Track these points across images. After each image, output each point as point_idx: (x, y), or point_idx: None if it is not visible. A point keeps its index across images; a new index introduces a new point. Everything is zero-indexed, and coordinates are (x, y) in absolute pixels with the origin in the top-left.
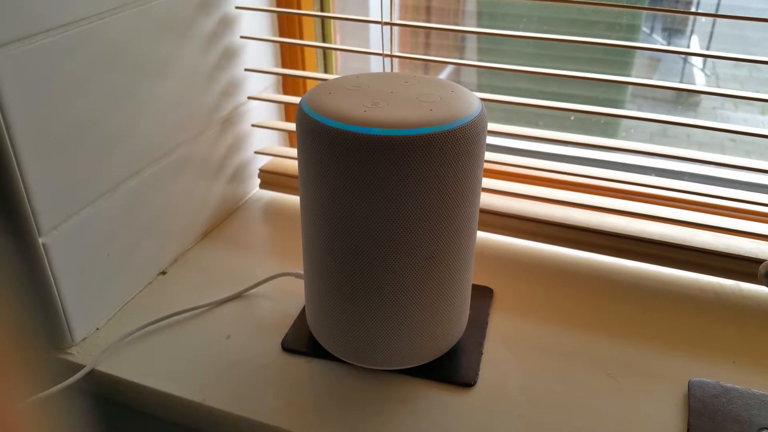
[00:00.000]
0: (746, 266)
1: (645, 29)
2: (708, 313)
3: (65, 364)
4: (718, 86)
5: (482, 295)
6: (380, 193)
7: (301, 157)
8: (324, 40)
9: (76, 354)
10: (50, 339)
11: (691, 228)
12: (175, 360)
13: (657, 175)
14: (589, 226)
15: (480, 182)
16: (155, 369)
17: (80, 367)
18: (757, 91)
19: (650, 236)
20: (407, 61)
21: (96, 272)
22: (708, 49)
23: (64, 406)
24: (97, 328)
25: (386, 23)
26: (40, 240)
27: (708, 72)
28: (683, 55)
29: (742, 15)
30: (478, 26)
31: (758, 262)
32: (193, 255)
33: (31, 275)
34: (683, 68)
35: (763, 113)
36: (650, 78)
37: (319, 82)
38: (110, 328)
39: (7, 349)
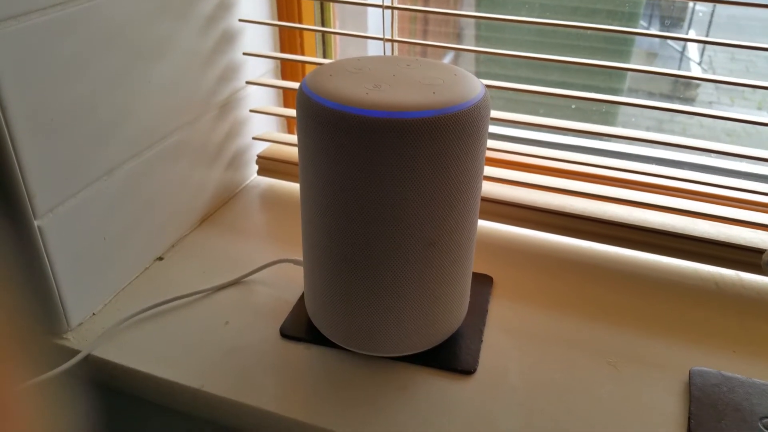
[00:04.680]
0: (746, 256)
1: (643, 22)
2: (708, 302)
3: (61, 349)
4: (715, 75)
5: (482, 282)
6: (382, 176)
7: (301, 141)
8: (323, 25)
9: (72, 339)
10: (46, 324)
11: (691, 217)
12: (172, 346)
13: (657, 165)
14: (589, 215)
15: (482, 167)
16: (152, 355)
17: (76, 352)
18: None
19: (650, 225)
20: (406, 47)
21: (92, 256)
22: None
23: (59, 391)
24: (93, 313)
25: (387, 7)
26: (36, 223)
27: (705, 66)
28: (680, 49)
29: (741, 2)
30: (478, 13)
31: (758, 251)
32: (190, 240)
33: (26, 259)
34: (680, 62)
35: (759, 108)
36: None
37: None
38: (106, 313)
39: (2, 333)
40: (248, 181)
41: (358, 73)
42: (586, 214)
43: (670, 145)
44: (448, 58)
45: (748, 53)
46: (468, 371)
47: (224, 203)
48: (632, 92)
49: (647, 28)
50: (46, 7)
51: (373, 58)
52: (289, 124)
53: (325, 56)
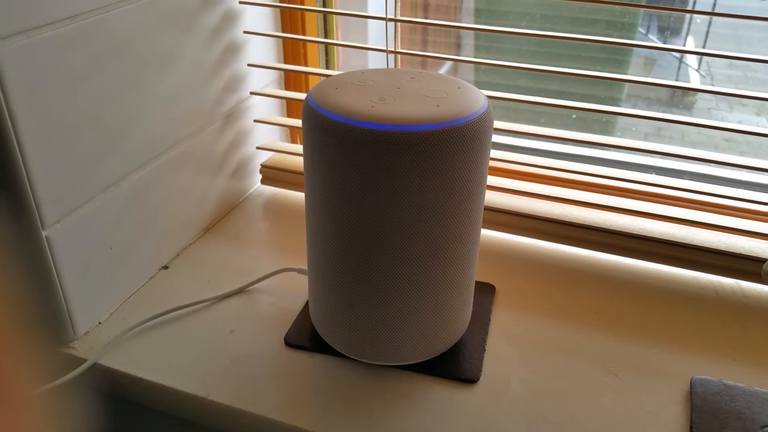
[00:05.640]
0: (746, 265)
1: (641, 29)
2: (708, 311)
3: (67, 358)
4: (713, 86)
5: (484, 291)
6: (387, 188)
7: (306, 152)
8: (326, 37)
9: (78, 348)
10: (52, 333)
11: (692, 226)
12: (178, 355)
13: (657, 174)
14: (590, 224)
15: (485, 178)
16: (158, 363)
17: (82, 361)
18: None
19: (651, 234)
20: (406, 57)
21: (98, 266)
22: (704, 48)
23: (65, 400)
24: (100, 322)
25: (390, 19)
26: (44, 233)
27: (703, 72)
28: (678, 56)
29: (739, 15)
30: (476, 24)
31: (758, 260)
32: (195, 250)
33: (34, 268)
34: (678, 68)
35: (758, 114)
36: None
37: (322, 78)
38: (112, 322)
39: (10, 342)
40: (252, 190)
41: (363, 86)
42: (588, 223)
43: (671, 155)
44: (446, 68)
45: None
46: (471, 380)
47: (228, 212)
48: (632, 98)
49: (645, 35)
50: (55, 21)
51: (378, 71)
52: (292, 133)
53: (328, 67)
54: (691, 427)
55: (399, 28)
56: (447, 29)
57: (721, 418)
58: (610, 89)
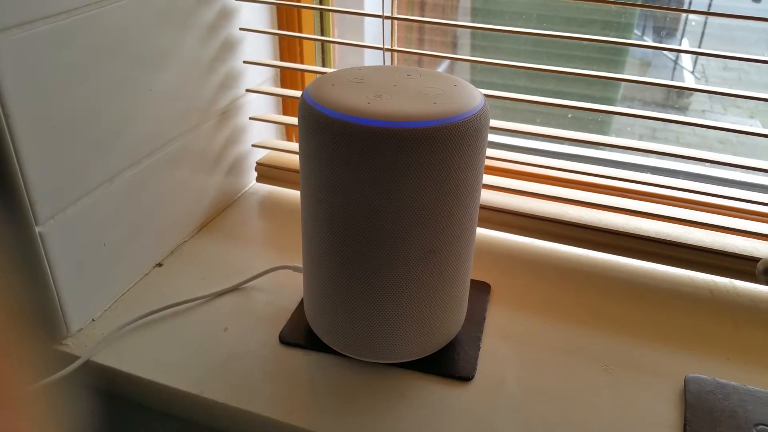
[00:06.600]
0: (740, 264)
1: (636, 31)
2: (702, 310)
3: (60, 355)
4: (708, 86)
5: (479, 290)
6: (383, 185)
7: (302, 150)
8: (322, 34)
9: (72, 345)
10: (45, 330)
11: (686, 226)
12: (172, 352)
13: (652, 173)
14: (585, 223)
15: (481, 176)
16: (152, 361)
17: (75, 358)
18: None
19: (645, 233)
20: (403, 55)
21: (92, 263)
22: (699, 49)
23: (58, 397)
24: (93, 319)
25: (387, 17)
26: (37, 229)
27: (698, 74)
28: (674, 58)
29: (736, 15)
30: (477, 24)
31: (752, 259)
32: (189, 247)
33: (27, 265)
34: (674, 70)
35: (752, 116)
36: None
37: (318, 75)
38: (106, 319)
39: (3, 339)
40: (247, 188)
41: (360, 83)
42: (583, 222)
43: (666, 154)
44: (442, 67)
45: (741, 62)
46: (466, 378)
47: (223, 210)
48: (627, 100)
49: (641, 38)
50: (50, 15)
51: (374, 68)
52: (288, 131)
53: (324, 65)
54: (685, 425)
55: (396, 27)
56: (444, 28)
57: (715, 416)
58: (606, 90)
